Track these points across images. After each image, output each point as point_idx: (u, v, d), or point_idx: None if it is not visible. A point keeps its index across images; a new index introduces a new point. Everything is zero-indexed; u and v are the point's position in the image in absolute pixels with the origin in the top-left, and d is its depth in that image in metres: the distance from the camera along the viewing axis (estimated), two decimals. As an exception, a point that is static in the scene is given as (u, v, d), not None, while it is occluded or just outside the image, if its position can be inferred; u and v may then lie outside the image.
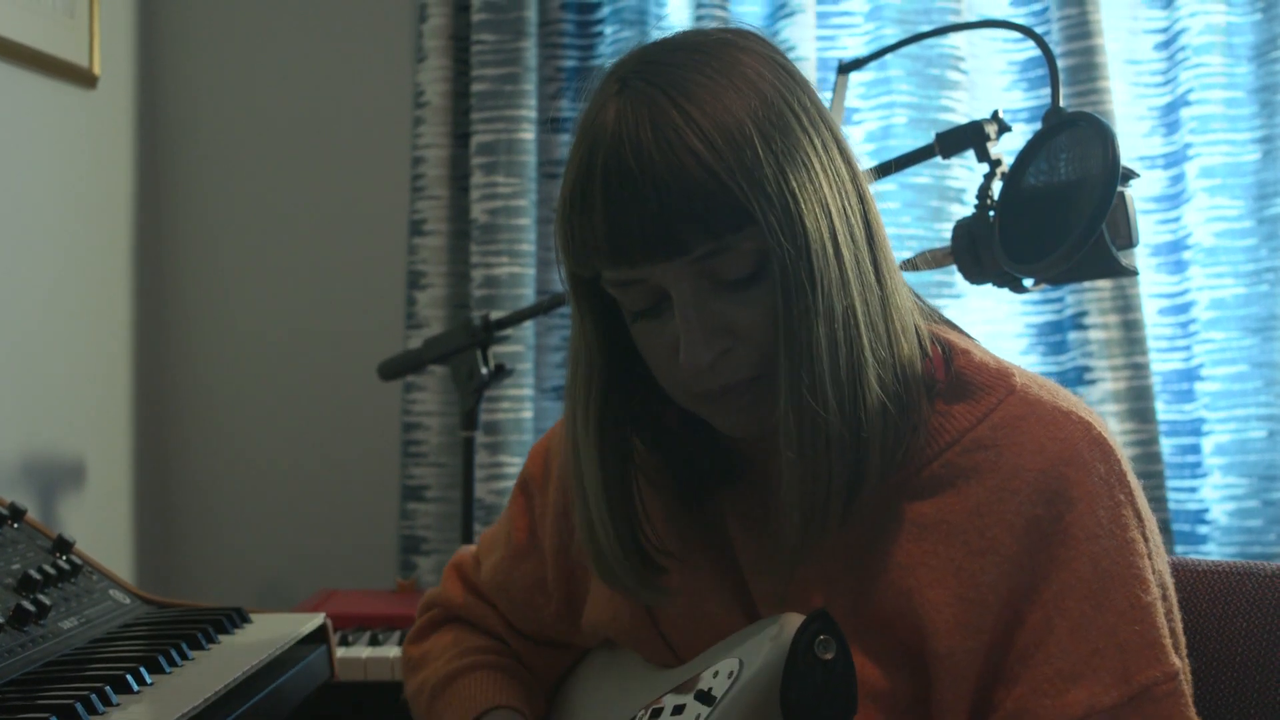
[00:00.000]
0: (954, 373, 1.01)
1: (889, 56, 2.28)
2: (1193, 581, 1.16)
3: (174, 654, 1.21)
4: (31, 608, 1.23)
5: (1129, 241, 1.18)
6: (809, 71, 2.30)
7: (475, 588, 1.26)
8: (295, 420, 2.53)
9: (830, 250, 0.91)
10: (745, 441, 1.03)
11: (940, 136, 1.35)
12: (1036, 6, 2.35)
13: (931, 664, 0.94)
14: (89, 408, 2.27)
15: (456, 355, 2.03)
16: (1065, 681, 0.91)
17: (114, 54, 2.36)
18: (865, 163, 1.00)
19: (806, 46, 2.31)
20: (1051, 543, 0.93)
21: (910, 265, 1.28)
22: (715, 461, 1.06)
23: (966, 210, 1.33)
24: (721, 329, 0.93)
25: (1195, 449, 2.32)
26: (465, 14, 2.41)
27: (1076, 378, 2.29)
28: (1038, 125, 1.21)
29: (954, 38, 2.32)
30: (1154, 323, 2.32)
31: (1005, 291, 1.27)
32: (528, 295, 2.37)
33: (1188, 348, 2.32)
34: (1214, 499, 2.30)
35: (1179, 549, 2.30)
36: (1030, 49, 2.35)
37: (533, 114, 2.38)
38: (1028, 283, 1.24)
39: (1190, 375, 2.32)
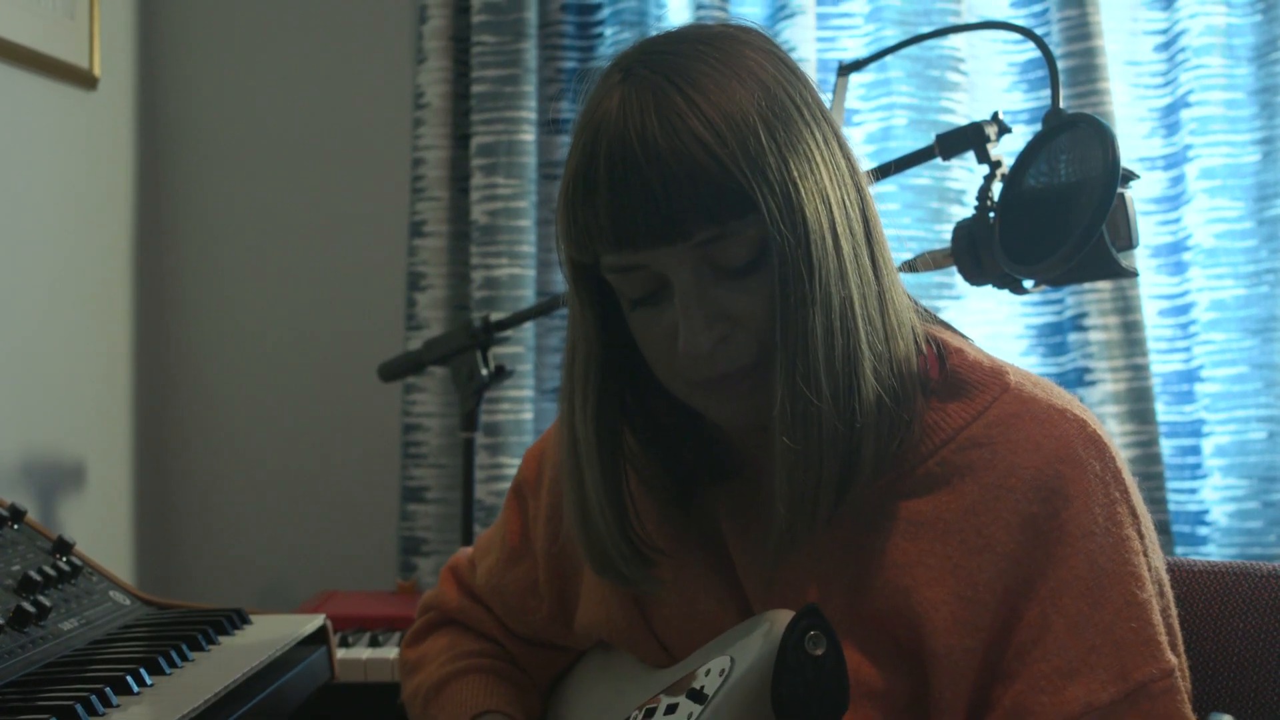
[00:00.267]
0: (948, 371, 1.01)
1: (889, 58, 2.28)
2: (1189, 582, 1.16)
3: (174, 655, 1.21)
4: (32, 609, 1.23)
5: (1129, 243, 1.18)
6: (809, 73, 2.28)
7: (470, 591, 1.27)
8: (295, 421, 2.53)
9: (829, 241, 0.92)
10: (738, 438, 1.04)
11: (940, 138, 1.35)
12: (1036, 8, 2.35)
13: (929, 662, 0.95)
14: (89, 408, 2.27)
15: (456, 356, 2.03)
16: (1063, 678, 0.91)
17: (114, 55, 2.36)
18: (865, 164, 1.01)
19: (806, 48, 2.31)
20: (1048, 540, 0.93)
21: (910, 266, 1.28)
22: (708, 458, 1.06)
23: (966, 212, 1.34)
24: (720, 316, 0.93)
25: (1195, 450, 2.32)
26: (465, 15, 2.41)
27: (1076, 379, 2.29)
28: (1038, 127, 1.21)
29: (954, 39, 2.32)
30: (1154, 324, 2.32)
31: (1005, 293, 1.27)
32: (528, 297, 2.37)
33: (1188, 349, 2.32)
34: (1214, 500, 2.30)
35: (1179, 550, 2.30)
36: (1030, 50, 2.35)
37: (533, 115, 2.38)
38: (1028, 284, 1.24)
39: (1190, 377, 2.33)
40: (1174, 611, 0.97)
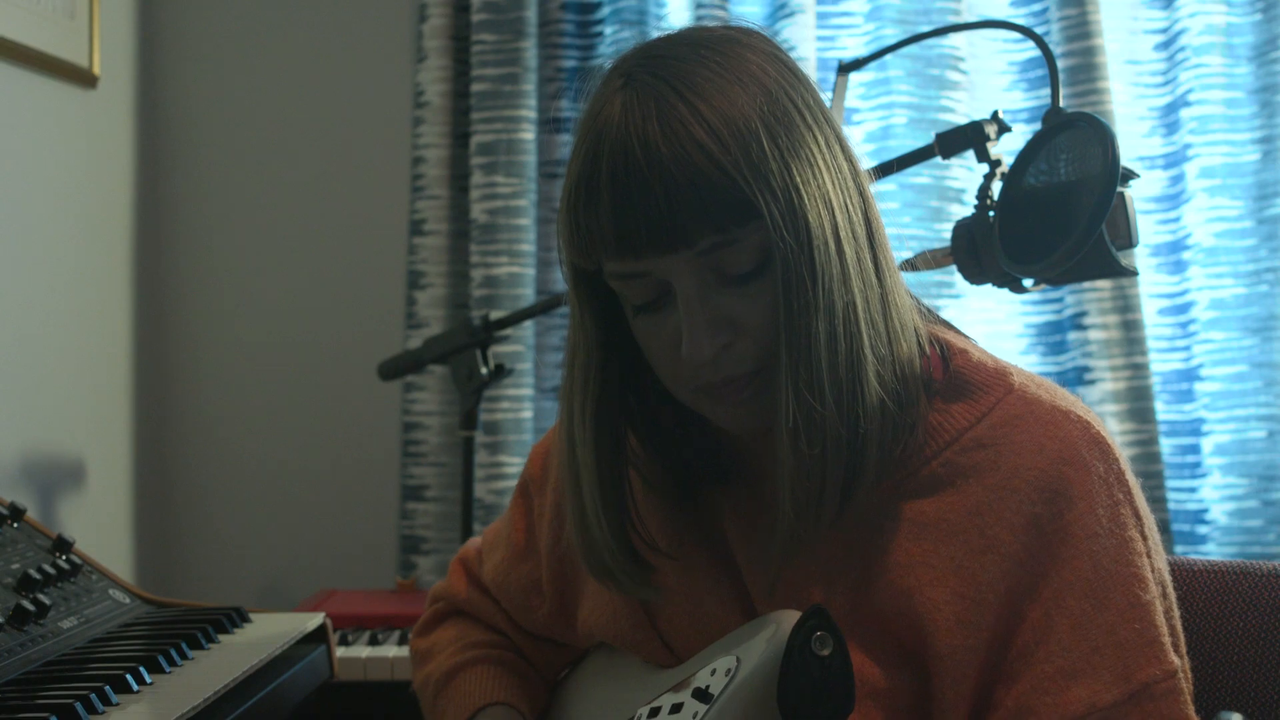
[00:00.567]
0: (952, 372, 1.01)
1: (889, 57, 2.28)
2: (1189, 581, 1.16)
3: (174, 654, 1.21)
4: (31, 607, 1.23)
5: (1129, 242, 1.18)
6: (809, 72, 2.28)
7: (479, 583, 1.27)
8: (295, 420, 2.53)
9: (832, 246, 0.92)
10: (741, 440, 1.04)
11: (940, 137, 1.35)
12: (1036, 7, 2.35)
13: (932, 663, 0.95)
14: (89, 408, 2.27)
15: (456, 355, 2.03)
16: (1066, 679, 0.91)
17: (114, 54, 2.36)
18: (865, 163, 1.01)
19: (806, 47, 2.31)
20: (1052, 541, 0.93)
21: (910, 266, 1.28)
22: (711, 460, 1.06)
23: (966, 210, 1.33)
24: (724, 322, 0.93)
25: (1195, 449, 2.32)
26: (465, 14, 2.41)
27: (1076, 378, 2.29)
28: (1037, 125, 1.21)
29: (954, 38, 2.32)
30: (1154, 323, 2.33)
31: (1005, 292, 1.27)
32: (527, 295, 2.37)
33: (1187, 348, 2.33)
34: (1213, 499, 2.30)
35: (1179, 549, 2.30)
36: (1030, 49, 2.35)
37: (533, 114, 2.38)
38: (1028, 283, 1.24)
39: (1190, 375, 2.33)
40: (1177, 613, 0.98)
